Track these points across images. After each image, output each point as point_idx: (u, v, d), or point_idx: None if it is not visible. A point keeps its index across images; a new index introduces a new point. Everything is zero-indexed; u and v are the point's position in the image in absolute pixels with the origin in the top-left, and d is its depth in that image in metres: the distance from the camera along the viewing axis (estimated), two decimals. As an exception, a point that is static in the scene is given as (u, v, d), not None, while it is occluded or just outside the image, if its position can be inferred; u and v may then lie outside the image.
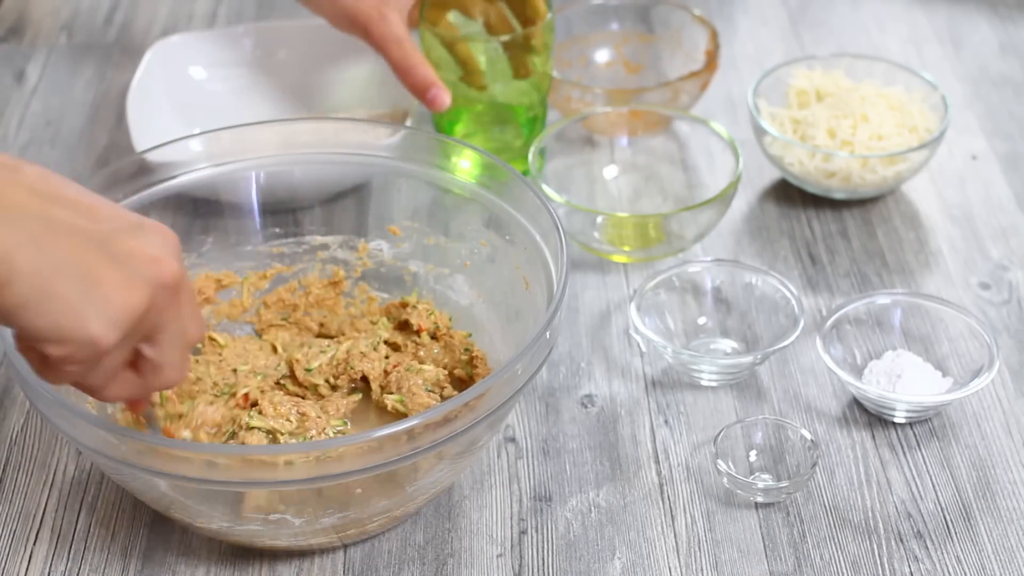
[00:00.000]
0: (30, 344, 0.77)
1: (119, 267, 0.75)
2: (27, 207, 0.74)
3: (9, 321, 0.75)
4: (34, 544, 1.00)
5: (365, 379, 1.04)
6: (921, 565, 0.98)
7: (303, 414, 0.99)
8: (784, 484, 1.02)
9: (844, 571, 0.98)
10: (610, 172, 1.32)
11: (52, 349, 0.76)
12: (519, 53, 1.23)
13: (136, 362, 0.81)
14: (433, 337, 1.06)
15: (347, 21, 1.15)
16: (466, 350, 1.06)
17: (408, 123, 1.24)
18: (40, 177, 0.76)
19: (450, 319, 1.08)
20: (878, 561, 0.98)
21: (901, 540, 1.00)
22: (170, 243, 0.79)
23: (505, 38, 1.23)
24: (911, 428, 1.08)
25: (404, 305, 1.08)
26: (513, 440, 1.07)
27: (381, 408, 1.03)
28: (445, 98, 1.16)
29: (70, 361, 0.76)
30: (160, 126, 1.30)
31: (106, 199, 0.79)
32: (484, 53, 1.23)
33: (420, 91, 1.16)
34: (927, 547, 0.99)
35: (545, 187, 1.21)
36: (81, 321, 0.74)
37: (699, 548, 0.99)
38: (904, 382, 1.07)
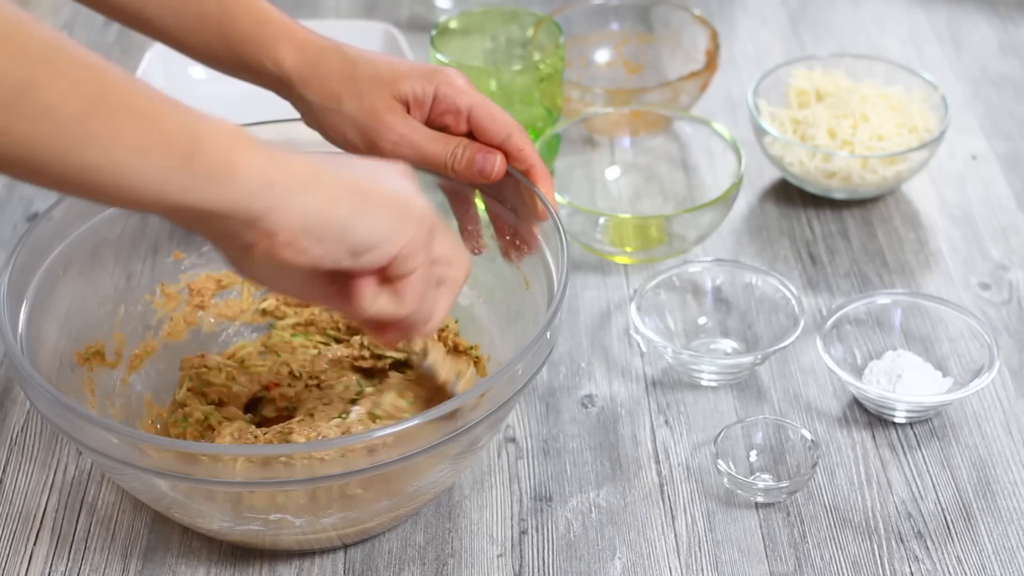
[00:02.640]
0: (368, 270, 0.83)
1: (388, 192, 0.83)
2: (316, 170, 0.80)
3: (360, 246, 0.81)
4: (34, 544, 1.00)
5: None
6: (921, 565, 0.98)
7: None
8: (784, 484, 1.02)
9: (844, 571, 0.98)
10: (611, 173, 1.32)
11: (385, 249, 0.81)
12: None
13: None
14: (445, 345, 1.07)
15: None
16: (476, 358, 1.06)
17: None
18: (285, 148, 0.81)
19: (457, 322, 1.08)
20: (878, 561, 0.98)
21: (901, 540, 1.00)
22: (413, 180, 0.87)
23: (517, 68, 1.24)
24: (911, 428, 1.08)
25: None
26: (513, 440, 1.07)
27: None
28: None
29: (398, 264, 0.82)
30: (160, 126, 1.29)
31: None
32: (496, 81, 1.23)
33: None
34: (927, 547, 0.99)
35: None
36: (394, 221, 0.82)
37: (699, 548, 0.99)
38: (904, 382, 1.07)
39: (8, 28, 0.70)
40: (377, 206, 0.81)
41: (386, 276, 0.84)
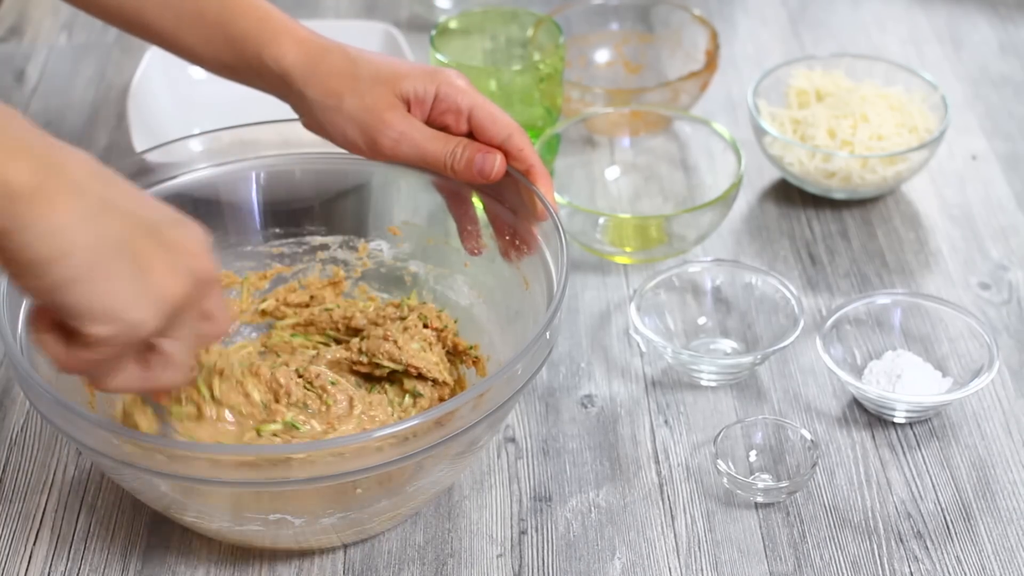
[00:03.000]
0: (62, 322, 0.78)
1: (166, 255, 0.77)
2: (88, 185, 0.76)
3: (55, 295, 0.75)
4: (34, 544, 1.00)
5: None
6: (921, 565, 0.98)
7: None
8: (784, 484, 1.02)
9: (844, 571, 0.98)
10: (611, 173, 1.32)
11: (93, 328, 0.76)
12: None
13: (146, 355, 0.82)
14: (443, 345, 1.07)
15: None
16: (475, 358, 1.06)
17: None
18: (96, 162, 0.78)
19: (456, 322, 1.08)
20: (878, 561, 0.98)
21: (901, 540, 1.00)
22: (205, 240, 0.81)
23: (516, 67, 1.24)
24: (911, 428, 1.08)
25: (399, 305, 1.08)
26: (513, 440, 1.07)
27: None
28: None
29: (104, 343, 0.77)
30: (160, 126, 1.30)
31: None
32: (496, 81, 1.23)
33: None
34: (927, 547, 0.99)
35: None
36: (129, 303, 0.76)
37: (699, 548, 0.99)
38: (904, 382, 1.07)
39: None
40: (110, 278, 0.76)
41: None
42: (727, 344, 1.15)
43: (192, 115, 1.34)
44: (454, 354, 1.06)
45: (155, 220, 0.78)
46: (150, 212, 0.79)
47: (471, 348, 1.07)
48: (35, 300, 0.77)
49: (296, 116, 1.04)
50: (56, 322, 0.78)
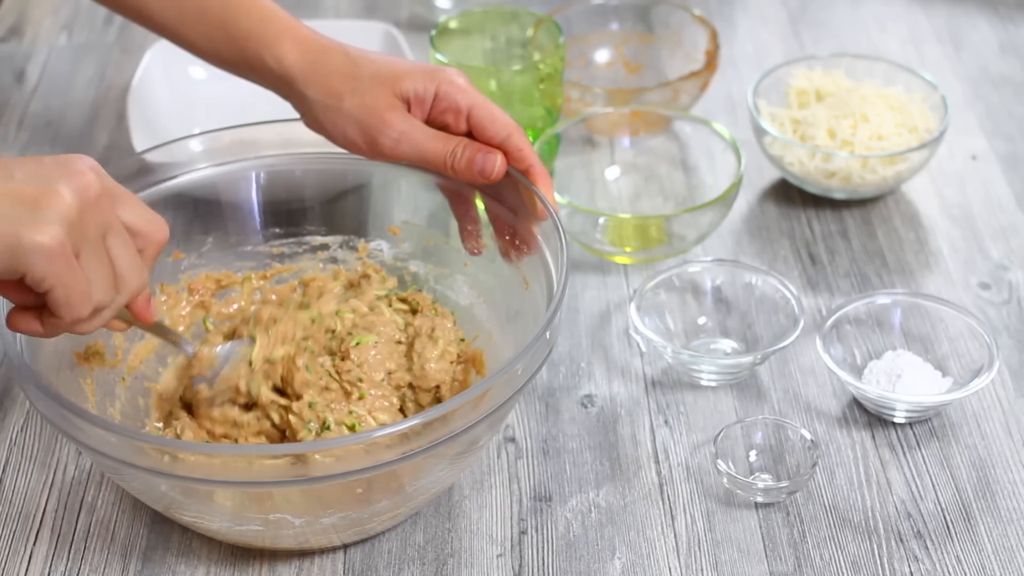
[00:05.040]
0: (20, 313, 0.83)
1: (32, 184, 0.79)
2: None
3: None
4: (34, 544, 1.00)
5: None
6: (921, 565, 0.98)
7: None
8: (784, 484, 1.02)
9: (844, 571, 0.98)
10: (611, 173, 1.32)
11: (19, 273, 0.78)
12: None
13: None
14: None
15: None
16: (461, 340, 1.06)
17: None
18: None
19: (453, 313, 1.08)
20: (878, 561, 0.98)
21: (901, 540, 1.00)
22: (87, 162, 0.82)
23: (516, 67, 1.24)
24: (911, 428, 1.08)
25: (403, 300, 1.08)
26: (513, 440, 1.07)
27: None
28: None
29: (38, 285, 0.79)
30: (160, 126, 1.30)
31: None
32: (496, 81, 1.23)
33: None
34: (927, 547, 0.99)
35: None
36: (19, 238, 0.77)
37: (699, 548, 0.99)
38: (904, 382, 1.07)
39: None
40: None
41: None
42: (727, 344, 1.15)
43: (192, 115, 1.34)
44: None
45: (11, 169, 0.80)
46: (10, 168, 0.80)
47: (463, 341, 1.06)
48: None
49: (296, 116, 1.04)
50: (17, 306, 0.82)
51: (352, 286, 1.09)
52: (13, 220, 0.78)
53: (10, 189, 0.78)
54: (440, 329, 1.04)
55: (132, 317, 0.90)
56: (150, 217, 0.85)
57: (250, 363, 1.01)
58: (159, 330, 0.99)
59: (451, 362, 1.04)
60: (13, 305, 0.84)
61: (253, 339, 1.03)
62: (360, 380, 1.01)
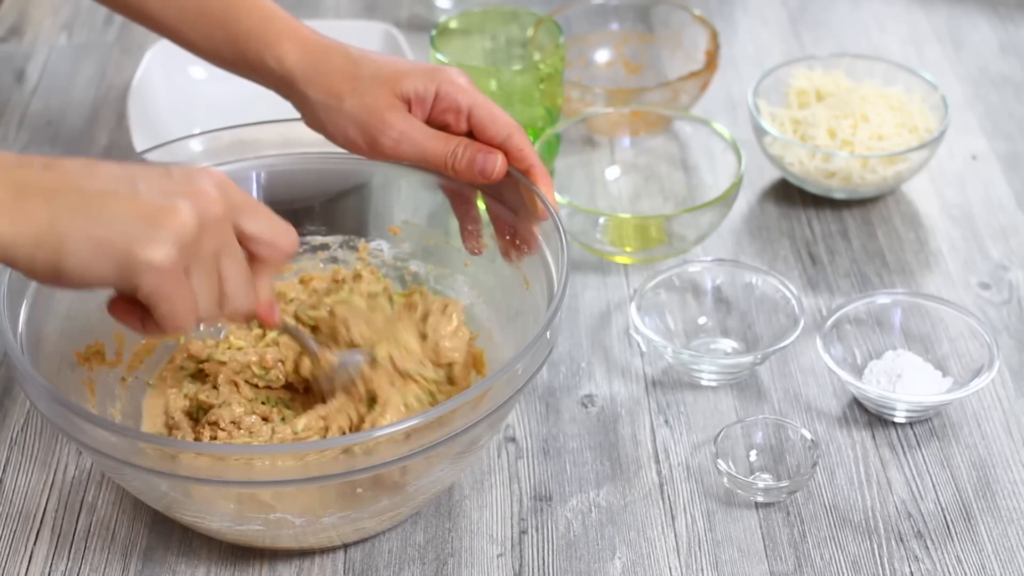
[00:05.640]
0: (125, 303, 0.82)
1: (155, 199, 0.79)
2: (61, 185, 0.78)
3: (84, 282, 0.79)
4: (34, 544, 1.00)
5: None
6: (921, 565, 0.98)
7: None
8: (784, 484, 1.02)
9: (844, 571, 0.98)
10: (611, 173, 1.32)
11: (130, 286, 0.79)
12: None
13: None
14: None
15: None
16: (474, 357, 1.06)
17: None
18: (75, 161, 0.80)
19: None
20: (878, 561, 0.98)
21: (901, 540, 1.00)
22: (215, 178, 0.82)
23: (517, 67, 1.24)
24: (911, 428, 1.08)
25: (411, 294, 1.08)
26: (513, 440, 1.07)
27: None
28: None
29: (151, 298, 0.79)
30: (160, 126, 1.30)
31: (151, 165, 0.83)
32: (496, 81, 1.23)
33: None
34: (927, 547, 0.99)
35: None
36: (133, 254, 0.77)
37: (699, 548, 0.99)
38: (904, 382, 1.07)
39: None
40: (99, 252, 0.78)
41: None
42: (727, 344, 1.15)
43: (192, 115, 1.34)
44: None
45: (138, 178, 0.80)
46: (134, 180, 0.80)
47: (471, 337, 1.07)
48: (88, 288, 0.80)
49: (296, 116, 1.04)
50: (127, 303, 0.82)
51: (337, 283, 1.10)
52: (130, 235, 0.78)
53: (132, 203, 0.78)
54: (453, 307, 1.03)
55: (257, 321, 0.90)
56: (278, 226, 0.85)
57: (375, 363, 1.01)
58: (286, 331, 1.00)
59: (467, 341, 1.03)
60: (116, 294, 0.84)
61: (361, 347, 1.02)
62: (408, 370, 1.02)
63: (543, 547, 0.99)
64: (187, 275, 0.80)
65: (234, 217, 0.83)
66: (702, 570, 0.98)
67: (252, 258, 0.85)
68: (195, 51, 1.04)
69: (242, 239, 0.84)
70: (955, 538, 1.00)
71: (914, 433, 1.08)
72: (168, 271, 0.78)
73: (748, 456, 1.05)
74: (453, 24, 1.29)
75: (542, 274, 1.00)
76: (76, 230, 0.77)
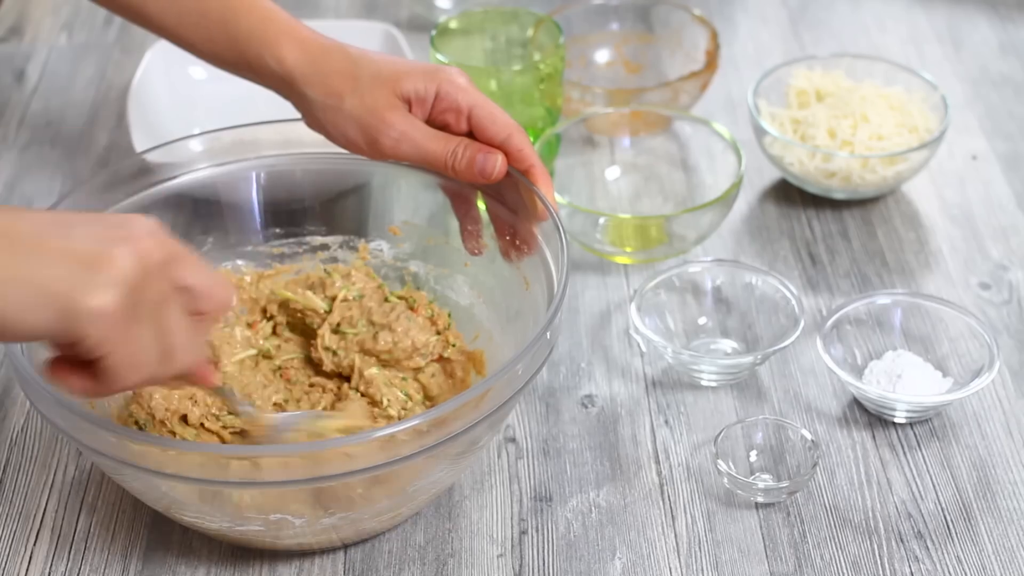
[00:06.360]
0: (63, 364, 0.77)
1: (91, 244, 0.75)
2: None
3: (17, 333, 0.74)
4: (34, 544, 1.00)
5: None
6: (921, 565, 0.98)
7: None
8: (784, 484, 1.02)
9: (844, 571, 0.98)
10: (611, 173, 1.32)
11: (71, 337, 0.74)
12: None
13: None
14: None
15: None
16: (454, 345, 1.06)
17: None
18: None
19: (449, 315, 1.08)
20: (878, 561, 0.98)
21: (901, 540, 1.00)
22: (149, 225, 0.77)
23: (517, 67, 1.24)
24: (911, 428, 1.08)
25: (401, 298, 1.09)
26: (513, 440, 1.07)
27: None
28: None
29: (98, 350, 0.75)
30: (160, 126, 1.30)
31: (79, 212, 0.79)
32: (496, 81, 1.23)
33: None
34: (927, 547, 0.99)
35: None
36: (75, 302, 0.73)
37: (699, 548, 0.99)
38: (904, 382, 1.07)
39: None
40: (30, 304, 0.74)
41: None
42: (727, 344, 1.15)
43: (192, 115, 1.34)
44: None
45: (72, 225, 0.75)
46: (68, 227, 0.76)
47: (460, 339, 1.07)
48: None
49: (296, 116, 1.04)
50: (66, 363, 0.77)
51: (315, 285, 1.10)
52: (69, 282, 0.73)
53: (67, 248, 0.74)
54: (420, 304, 1.06)
55: (192, 381, 0.85)
56: (215, 280, 0.80)
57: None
58: (220, 394, 0.96)
59: (441, 334, 1.05)
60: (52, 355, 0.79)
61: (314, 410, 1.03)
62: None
63: (543, 547, 0.99)
64: (131, 325, 0.75)
65: (172, 267, 0.78)
66: (702, 570, 0.98)
67: (188, 312, 0.80)
68: (195, 52, 1.04)
69: (179, 291, 0.78)
70: (955, 538, 1.00)
71: (914, 433, 1.08)
72: (113, 317, 0.74)
73: (748, 456, 1.05)
74: (453, 24, 1.29)
75: (542, 274, 1.00)
76: (10, 276, 0.72)
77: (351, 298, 1.07)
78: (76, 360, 0.77)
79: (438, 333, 1.06)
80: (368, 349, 1.04)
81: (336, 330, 1.05)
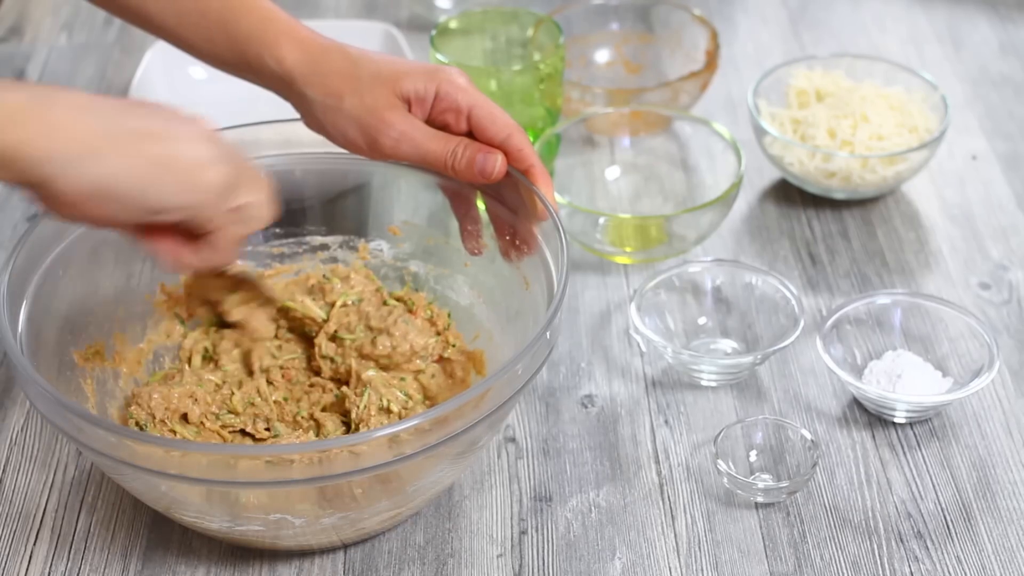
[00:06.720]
0: (157, 228, 0.88)
1: (196, 150, 0.87)
2: (80, 98, 0.84)
3: (150, 211, 0.85)
4: (34, 544, 1.00)
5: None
6: (921, 565, 0.98)
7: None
8: (784, 484, 1.02)
9: (844, 571, 0.98)
10: (611, 173, 1.32)
11: (181, 212, 0.86)
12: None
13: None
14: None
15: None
16: (454, 346, 1.06)
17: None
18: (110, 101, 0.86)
19: (449, 315, 1.08)
20: (878, 561, 0.98)
21: (901, 540, 1.00)
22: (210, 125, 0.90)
23: (516, 67, 1.24)
24: (911, 428, 1.08)
25: (399, 299, 1.09)
26: (513, 440, 1.07)
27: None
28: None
29: (199, 220, 0.87)
30: (160, 126, 1.29)
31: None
32: (496, 81, 1.23)
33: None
34: (927, 547, 0.99)
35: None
36: (196, 171, 0.86)
37: (699, 548, 0.99)
38: (904, 382, 1.07)
39: None
40: (168, 174, 0.85)
41: (186, 228, 0.89)
42: (727, 344, 1.15)
43: (192, 115, 1.34)
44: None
45: (163, 135, 0.86)
46: (145, 108, 0.87)
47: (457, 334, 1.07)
48: (121, 222, 0.86)
49: (296, 116, 1.04)
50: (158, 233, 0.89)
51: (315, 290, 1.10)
52: (192, 154, 0.86)
53: (189, 130, 0.87)
54: (419, 304, 1.07)
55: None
56: (260, 189, 0.93)
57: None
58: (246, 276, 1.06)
59: (440, 337, 1.06)
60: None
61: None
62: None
63: (543, 547, 0.99)
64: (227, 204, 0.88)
65: (239, 185, 0.89)
66: (702, 570, 0.98)
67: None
68: (194, 53, 1.04)
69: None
70: (955, 538, 1.00)
71: (914, 433, 1.08)
72: (228, 190, 0.87)
73: (748, 456, 1.05)
74: (453, 24, 1.29)
75: (542, 274, 1.00)
76: (130, 146, 0.83)
77: (349, 303, 1.07)
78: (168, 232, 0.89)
79: (438, 334, 1.06)
80: (367, 354, 1.04)
81: (333, 337, 1.06)
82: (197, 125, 0.88)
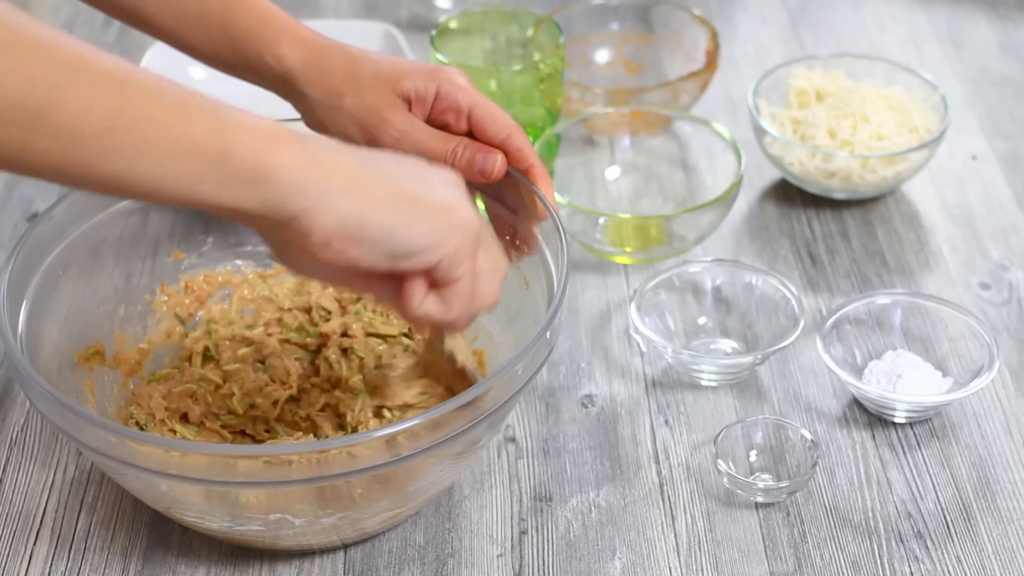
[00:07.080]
0: (413, 271, 0.85)
1: (447, 193, 0.84)
2: (361, 173, 0.81)
3: (399, 252, 0.82)
4: (34, 544, 1.00)
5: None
6: (921, 565, 0.98)
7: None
8: (784, 484, 1.02)
9: (844, 571, 0.98)
10: (611, 173, 1.32)
11: (431, 256, 0.83)
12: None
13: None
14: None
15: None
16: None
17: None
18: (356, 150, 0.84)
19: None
20: (878, 561, 0.98)
21: (901, 540, 1.00)
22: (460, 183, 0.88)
23: (516, 67, 1.24)
24: (911, 428, 1.08)
25: None
26: (513, 440, 1.07)
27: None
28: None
29: (448, 265, 0.84)
30: (160, 126, 1.29)
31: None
32: (496, 81, 1.23)
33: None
34: (927, 547, 0.99)
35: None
36: (451, 210, 0.83)
37: (699, 548, 0.99)
38: (904, 382, 1.07)
39: (28, 47, 0.71)
40: (421, 214, 0.82)
41: (433, 279, 0.85)
42: (727, 344, 1.15)
43: (192, 115, 1.34)
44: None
45: (413, 176, 0.84)
46: (401, 166, 0.85)
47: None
48: (379, 269, 0.83)
49: (297, 116, 1.04)
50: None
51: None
52: (446, 197, 0.83)
53: (441, 176, 0.85)
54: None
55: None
56: (500, 257, 0.91)
57: None
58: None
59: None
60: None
61: None
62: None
63: (543, 547, 0.99)
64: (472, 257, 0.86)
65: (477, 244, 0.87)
66: (702, 570, 0.98)
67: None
68: (194, 54, 1.04)
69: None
70: (955, 538, 1.00)
71: (914, 433, 1.08)
72: (478, 238, 0.85)
73: (748, 456, 1.05)
74: (453, 24, 1.29)
75: (542, 274, 1.00)
76: (384, 184, 0.81)
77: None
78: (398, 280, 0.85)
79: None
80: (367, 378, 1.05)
81: (343, 349, 1.06)
82: (447, 172, 0.87)
